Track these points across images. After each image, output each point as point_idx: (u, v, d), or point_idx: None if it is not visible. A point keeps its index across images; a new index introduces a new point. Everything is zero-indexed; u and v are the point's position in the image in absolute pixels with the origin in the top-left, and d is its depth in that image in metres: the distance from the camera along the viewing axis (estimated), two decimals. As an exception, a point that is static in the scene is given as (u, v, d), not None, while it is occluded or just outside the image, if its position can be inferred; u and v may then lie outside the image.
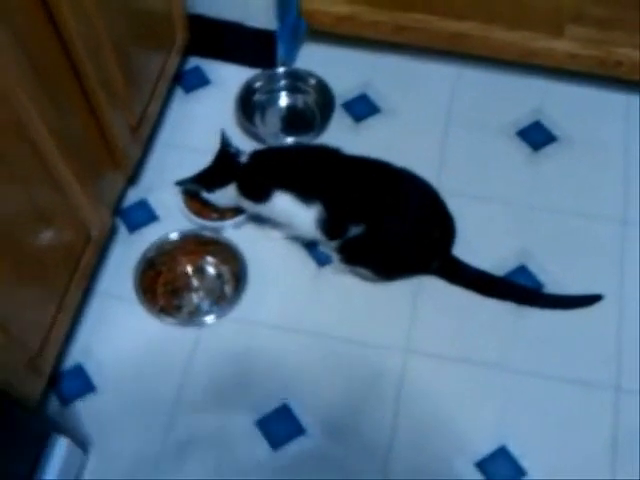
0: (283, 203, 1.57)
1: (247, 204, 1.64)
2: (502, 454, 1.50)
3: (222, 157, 1.65)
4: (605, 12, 1.76)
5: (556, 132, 1.86)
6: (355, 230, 1.55)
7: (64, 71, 1.31)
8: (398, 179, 1.59)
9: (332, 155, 1.62)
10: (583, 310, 1.62)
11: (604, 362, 1.59)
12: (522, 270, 1.68)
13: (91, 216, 1.50)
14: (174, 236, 1.70)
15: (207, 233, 1.71)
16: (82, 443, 1.48)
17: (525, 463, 1.50)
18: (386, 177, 1.59)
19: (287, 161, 1.62)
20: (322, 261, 1.69)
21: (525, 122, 1.87)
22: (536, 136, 1.85)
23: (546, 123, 1.87)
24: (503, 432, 1.52)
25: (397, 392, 1.56)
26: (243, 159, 1.63)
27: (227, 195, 1.64)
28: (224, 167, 1.64)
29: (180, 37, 1.78)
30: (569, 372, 1.58)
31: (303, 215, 1.57)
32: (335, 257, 1.64)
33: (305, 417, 1.54)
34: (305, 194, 1.55)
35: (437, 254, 1.62)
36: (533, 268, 1.68)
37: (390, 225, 1.56)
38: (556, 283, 1.66)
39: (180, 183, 1.70)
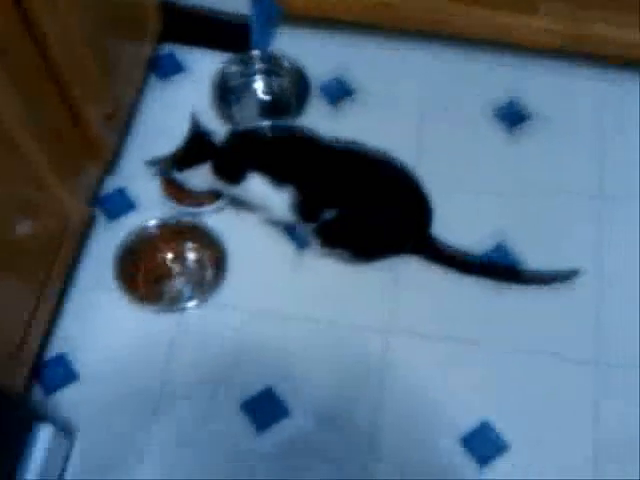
0: (256, 185, 1.57)
1: (221, 185, 1.64)
2: (485, 429, 1.52)
3: (193, 138, 1.64)
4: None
5: (531, 110, 1.87)
6: (330, 213, 1.55)
7: (35, 62, 1.29)
8: (372, 161, 1.59)
9: (307, 138, 1.61)
10: (562, 286, 1.64)
11: (584, 337, 1.61)
12: (500, 248, 1.69)
13: (69, 206, 1.50)
14: (153, 223, 1.69)
15: (186, 219, 1.70)
16: (67, 431, 1.48)
17: (508, 437, 1.52)
18: (360, 160, 1.59)
19: (262, 143, 1.62)
20: (302, 244, 1.69)
21: (500, 102, 1.88)
22: (512, 115, 1.86)
23: (521, 102, 1.88)
24: (485, 408, 1.54)
25: (380, 373, 1.58)
26: (219, 139, 1.62)
27: (200, 176, 1.63)
28: (196, 147, 1.63)
29: (153, 24, 1.77)
30: (549, 347, 1.60)
31: (277, 198, 1.57)
32: (313, 240, 1.64)
33: (290, 400, 1.55)
34: (278, 177, 1.55)
35: (414, 235, 1.63)
36: (512, 246, 1.69)
37: (365, 207, 1.56)
38: (535, 261, 1.67)
39: (150, 162, 1.70)
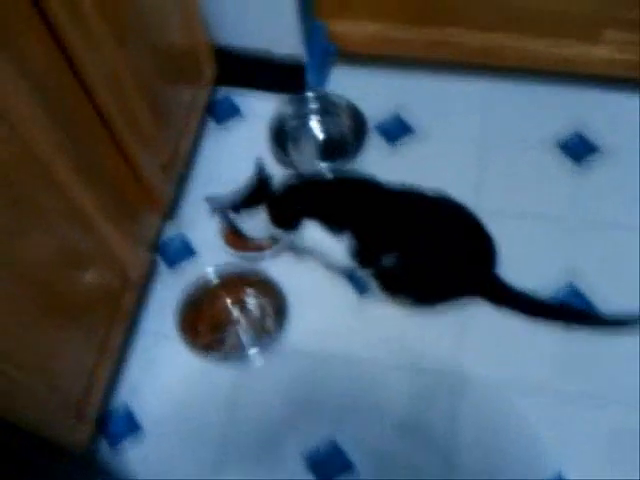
0: (313, 232, 1.56)
1: (278, 232, 1.63)
2: (561, 483, 1.46)
3: (255, 183, 1.64)
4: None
5: (598, 142, 1.80)
6: (389, 258, 1.53)
7: (87, 114, 1.30)
8: (430, 204, 1.57)
9: (362, 183, 1.60)
10: (637, 329, 1.56)
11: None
12: (570, 289, 1.63)
13: (128, 256, 1.50)
14: (212, 271, 1.69)
15: (246, 267, 1.70)
16: (130, 486, 1.48)
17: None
18: (417, 203, 1.56)
19: (316, 189, 1.61)
20: (362, 289, 1.66)
21: (565, 134, 1.82)
22: (577, 147, 1.80)
23: (587, 133, 1.82)
24: (559, 459, 1.48)
25: (450, 421, 1.53)
26: (276, 187, 1.62)
27: (257, 221, 1.62)
28: (256, 192, 1.63)
29: (208, 70, 1.78)
30: (624, 395, 1.52)
31: (334, 244, 1.55)
32: (374, 285, 1.61)
33: (354, 452, 1.51)
34: (335, 223, 1.54)
35: (477, 278, 1.59)
36: (581, 286, 1.63)
37: (424, 252, 1.53)
38: (607, 302, 1.60)
39: (210, 199, 1.70)
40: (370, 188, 1.59)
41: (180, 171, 1.72)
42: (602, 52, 1.77)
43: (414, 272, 1.55)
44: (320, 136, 1.90)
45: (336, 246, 1.56)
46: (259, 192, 1.62)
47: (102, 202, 1.36)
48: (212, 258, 1.71)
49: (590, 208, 1.73)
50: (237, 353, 1.63)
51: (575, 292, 1.62)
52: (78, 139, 1.26)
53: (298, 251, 1.69)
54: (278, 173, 1.71)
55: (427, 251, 1.53)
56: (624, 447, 1.48)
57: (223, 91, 1.94)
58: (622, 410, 1.51)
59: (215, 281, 1.69)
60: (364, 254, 1.55)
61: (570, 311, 1.61)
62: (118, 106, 1.35)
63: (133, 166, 1.47)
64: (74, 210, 1.29)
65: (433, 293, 1.60)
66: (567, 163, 1.79)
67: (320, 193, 1.60)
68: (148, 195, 1.56)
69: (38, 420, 1.27)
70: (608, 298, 1.61)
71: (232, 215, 1.65)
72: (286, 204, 1.60)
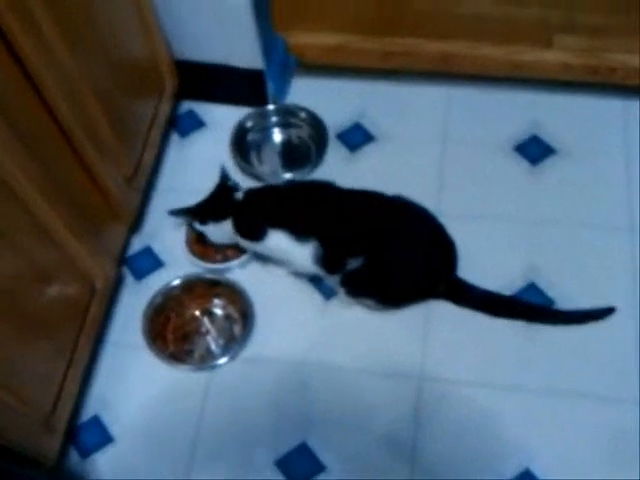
0: (278, 241, 1.57)
1: (244, 242, 1.64)
2: (527, 477, 1.47)
3: (220, 191, 1.66)
4: (594, 19, 1.75)
5: (554, 144, 1.84)
6: (354, 263, 1.54)
7: (48, 129, 1.31)
8: (392, 208, 1.59)
9: (324, 190, 1.62)
10: (597, 324, 1.59)
11: (624, 376, 1.55)
12: (531, 287, 1.65)
13: (94, 269, 1.50)
14: (179, 281, 1.70)
15: (212, 275, 1.71)
16: (102, 496, 1.48)
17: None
18: (379, 207, 1.58)
19: (279, 199, 1.62)
20: (328, 294, 1.68)
21: (522, 137, 1.86)
22: (534, 150, 1.84)
23: (543, 136, 1.85)
24: (526, 454, 1.49)
25: (416, 422, 1.54)
26: (238, 197, 1.63)
27: (222, 231, 1.64)
28: (220, 202, 1.64)
29: (169, 84, 1.79)
30: (588, 388, 1.54)
31: (299, 252, 1.57)
32: (339, 290, 1.63)
33: (325, 453, 1.52)
34: (299, 231, 1.55)
35: (440, 278, 1.61)
36: (542, 284, 1.65)
37: (388, 255, 1.54)
38: (567, 298, 1.63)
39: (174, 212, 1.70)
40: (331, 193, 1.61)
41: (144, 183, 1.72)
42: (555, 57, 1.81)
43: (379, 275, 1.56)
44: (282, 146, 1.92)
45: (302, 254, 1.57)
46: (223, 204, 1.64)
47: (66, 216, 1.36)
48: (179, 269, 1.72)
49: (548, 208, 1.76)
50: (206, 362, 1.64)
51: (536, 290, 1.65)
52: (39, 154, 1.26)
53: (264, 259, 1.70)
54: (242, 184, 1.72)
55: (391, 254, 1.55)
56: (592, 441, 1.50)
57: (186, 104, 1.96)
58: (588, 404, 1.53)
59: (181, 291, 1.69)
60: (330, 260, 1.57)
61: (532, 308, 1.63)
62: (78, 120, 1.36)
63: (96, 179, 1.48)
64: (37, 225, 1.30)
65: (398, 295, 1.62)
66: (524, 165, 1.82)
67: (282, 202, 1.61)
68: (112, 207, 1.56)
69: (6, 433, 1.26)
70: (568, 294, 1.63)
71: (198, 226, 1.67)
72: (249, 215, 1.62)
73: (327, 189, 1.62)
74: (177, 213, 1.69)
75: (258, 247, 1.63)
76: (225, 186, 1.66)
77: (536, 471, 1.48)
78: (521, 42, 1.80)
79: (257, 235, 1.59)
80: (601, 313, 1.59)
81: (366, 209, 1.58)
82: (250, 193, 1.64)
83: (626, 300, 1.62)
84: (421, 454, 1.51)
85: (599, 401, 1.53)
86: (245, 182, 1.77)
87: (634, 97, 1.87)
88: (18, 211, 1.24)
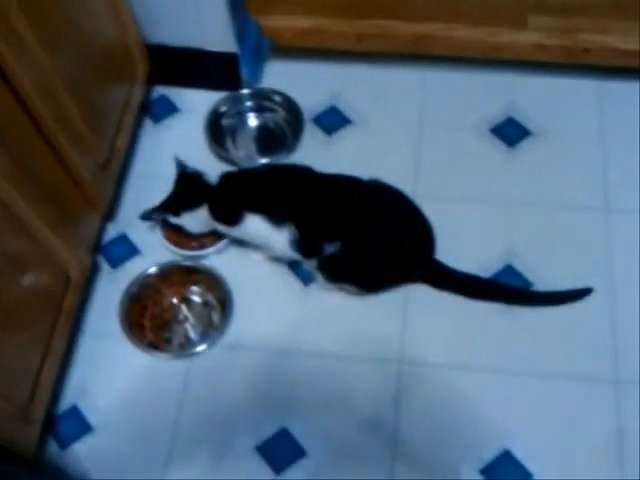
0: (255, 226, 1.56)
1: (220, 227, 1.63)
2: (507, 458, 1.48)
3: (184, 181, 1.64)
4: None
5: (530, 125, 1.84)
6: (331, 247, 1.54)
7: (17, 118, 1.28)
8: (368, 192, 1.59)
9: (301, 174, 1.61)
10: (575, 304, 1.60)
11: (601, 355, 1.57)
12: (508, 269, 1.66)
13: (68, 258, 1.49)
14: (156, 269, 1.68)
15: (189, 262, 1.69)
16: (82, 485, 1.47)
17: (531, 465, 1.47)
18: (356, 192, 1.58)
19: (256, 183, 1.61)
20: (307, 280, 1.67)
21: (498, 119, 1.86)
22: (510, 131, 1.84)
23: (519, 117, 1.86)
24: (506, 436, 1.50)
25: (396, 405, 1.55)
26: (212, 181, 1.62)
27: (199, 218, 1.62)
28: (191, 190, 1.63)
29: (141, 69, 1.77)
30: (567, 368, 1.56)
31: (276, 236, 1.56)
32: (318, 275, 1.62)
33: (306, 439, 1.52)
34: (276, 215, 1.55)
35: (418, 262, 1.61)
36: (519, 266, 1.66)
37: (365, 239, 1.54)
38: (544, 279, 1.64)
39: (144, 216, 1.68)
40: (308, 177, 1.60)
41: (118, 170, 1.70)
42: (530, 38, 1.81)
43: (356, 259, 1.56)
44: (257, 131, 1.91)
45: (279, 238, 1.56)
46: (195, 192, 1.62)
47: (39, 206, 1.34)
48: (155, 256, 1.71)
49: (524, 190, 1.76)
50: (184, 349, 1.63)
51: (513, 272, 1.66)
52: (11, 143, 1.24)
53: (241, 244, 1.69)
54: (218, 169, 1.70)
55: (368, 238, 1.54)
56: (571, 422, 1.51)
57: (159, 89, 1.93)
58: (566, 385, 1.54)
59: (157, 278, 1.68)
60: (307, 244, 1.56)
61: (510, 290, 1.64)
62: (49, 108, 1.34)
63: (69, 167, 1.46)
64: (9, 215, 1.27)
65: (376, 279, 1.62)
66: (501, 147, 1.82)
67: (259, 186, 1.60)
68: (86, 196, 1.54)
69: (-17, 425, 1.25)
70: (545, 276, 1.64)
71: (173, 220, 1.65)
72: (226, 199, 1.60)
73: (304, 173, 1.61)
74: (149, 214, 1.67)
75: (235, 232, 1.62)
76: (187, 174, 1.64)
77: (516, 452, 1.49)
78: (495, 23, 1.81)
79: (234, 219, 1.58)
80: (578, 294, 1.60)
81: (342, 193, 1.58)
82: (226, 176, 1.63)
83: (602, 280, 1.63)
84: (402, 437, 1.52)
85: (577, 381, 1.55)
86: (220, 167, 1.75)
87: (608, 77, 1.88)
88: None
